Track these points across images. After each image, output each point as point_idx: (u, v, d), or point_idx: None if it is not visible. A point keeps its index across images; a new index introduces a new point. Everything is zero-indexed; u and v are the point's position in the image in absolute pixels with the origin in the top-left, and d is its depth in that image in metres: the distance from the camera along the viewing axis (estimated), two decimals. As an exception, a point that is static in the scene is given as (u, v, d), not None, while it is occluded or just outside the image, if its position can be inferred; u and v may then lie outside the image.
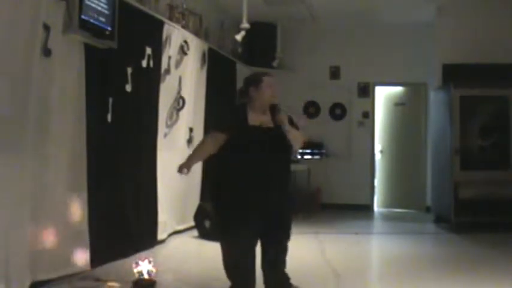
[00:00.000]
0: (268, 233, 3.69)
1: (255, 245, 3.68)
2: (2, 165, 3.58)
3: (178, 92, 6.18)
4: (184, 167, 3.73)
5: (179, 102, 6.18)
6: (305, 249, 5.08)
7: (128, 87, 5.10)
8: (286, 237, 3.76)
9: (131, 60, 5.17)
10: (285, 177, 3.79)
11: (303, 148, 4.03)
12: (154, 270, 4.10)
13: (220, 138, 3.66)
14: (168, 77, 5.90)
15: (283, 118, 3.66)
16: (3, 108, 3.58)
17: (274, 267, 3.75)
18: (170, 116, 6.06)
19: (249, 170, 3.58)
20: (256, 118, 3.67)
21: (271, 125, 3.69)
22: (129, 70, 5.10)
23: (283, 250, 3.76)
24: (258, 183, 3.58)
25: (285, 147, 3.72)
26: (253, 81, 3.73)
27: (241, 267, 3.66)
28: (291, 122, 3.74)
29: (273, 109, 3.68)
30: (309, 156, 9.14)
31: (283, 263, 3.78)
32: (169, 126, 6.04)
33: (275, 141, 3.65)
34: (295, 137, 3.69)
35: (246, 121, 3.65)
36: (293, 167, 4.32)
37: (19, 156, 3.69)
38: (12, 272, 3.61)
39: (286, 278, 3.80)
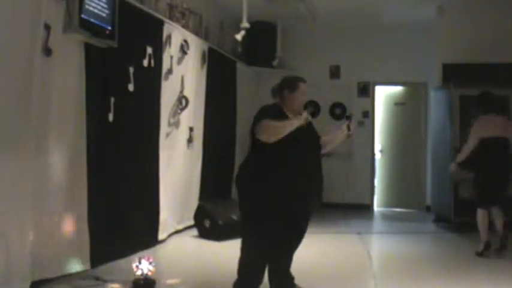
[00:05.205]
0: (285, 236, 3.71)
1: (276, 247, 3.70)
2: (2, 165, 3.57)
3: (181, 92, 6.18)
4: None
5: (182, 102, 6.18)
6: (306, 249, 5.04)
7: (131, 87, 5.09)
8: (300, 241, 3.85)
9: (132, 59, 5.17)
10: (320, 177, 3.84)
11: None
12: (154, 270, 4.10)
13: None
14: (170, 77, 5.90)
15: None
16: (4, 108, 3.57)
17: (280, 265, 3.76)
18: (173, 116, 6.06)
19: (290, 170, 3.59)
20: (293, 117, 3.69)
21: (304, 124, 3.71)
22: (131, 69, 5.10)
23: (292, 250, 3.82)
24: (299, 184, 3.60)
25: (319, 146, 3.85)
26: (290, 84, 3.76)
27: (258, 269, 3.68)
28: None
29: (350, 119, 3.99)
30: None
31: (288, 261, 3.79)
32: (171, 125, 6.04)
33: (312, 139, 3.78)
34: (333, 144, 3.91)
35: (288, 118, 3.66)
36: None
37: (20, 155, 3.69)
38: (12, 272, 3.61)
39: (289, 277, 3.80)
